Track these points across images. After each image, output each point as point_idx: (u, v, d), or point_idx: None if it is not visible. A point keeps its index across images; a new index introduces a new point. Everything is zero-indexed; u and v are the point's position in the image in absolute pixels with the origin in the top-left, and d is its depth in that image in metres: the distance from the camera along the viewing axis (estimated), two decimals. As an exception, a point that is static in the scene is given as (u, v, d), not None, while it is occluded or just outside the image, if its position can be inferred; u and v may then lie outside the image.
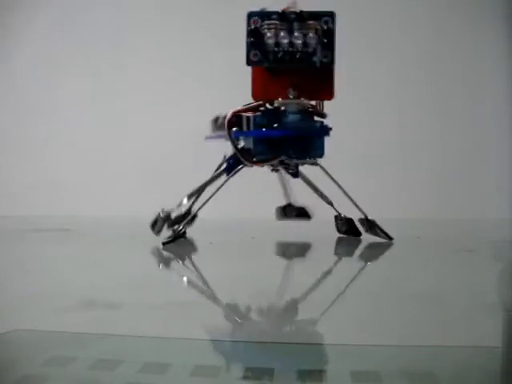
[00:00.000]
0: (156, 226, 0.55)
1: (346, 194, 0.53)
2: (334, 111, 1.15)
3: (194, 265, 0.49)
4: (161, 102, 1.15)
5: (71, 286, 0.36)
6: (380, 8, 1.14)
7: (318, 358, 0.22)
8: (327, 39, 0.46)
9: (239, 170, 0.52)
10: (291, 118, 0.48)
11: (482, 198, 1.08)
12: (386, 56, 1.14)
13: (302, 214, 0.65)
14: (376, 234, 0.56)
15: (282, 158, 0.50)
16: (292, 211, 0.64)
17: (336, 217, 0.58)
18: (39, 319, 0.27)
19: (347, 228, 0.57)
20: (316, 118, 0.51)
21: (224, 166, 0.53)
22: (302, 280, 0.40)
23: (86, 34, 1.20)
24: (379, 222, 0.63)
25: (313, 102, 0.51)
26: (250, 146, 0.50)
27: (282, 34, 0.45)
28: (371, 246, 0.56)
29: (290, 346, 0.24)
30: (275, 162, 0.51)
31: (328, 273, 0.43)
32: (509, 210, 1.03)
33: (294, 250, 0.57)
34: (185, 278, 0.40)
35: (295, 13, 0.45)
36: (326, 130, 0.49)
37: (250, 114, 0.49)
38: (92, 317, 0.27)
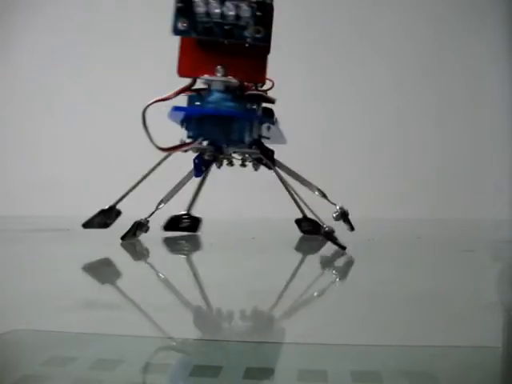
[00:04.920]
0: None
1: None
2: (334, 111, 1.15)
3: (194, 265, 0.49)
4: (161, 102, 1.15)
5: (71, 286, 0.36)
6: (380, 8, 1.14)
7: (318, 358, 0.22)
8: (262, 13, 0.40)
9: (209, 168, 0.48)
10: (215, 96, 0.43)
11: (482, 198, 1.08)
12: (385, 56, 1.14)
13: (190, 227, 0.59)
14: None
15: (200, 141, 0.45)
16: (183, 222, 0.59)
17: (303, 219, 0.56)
18: (39, 319, 0.27)
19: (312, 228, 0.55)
20: (266, 105, 0.46)
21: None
22: (295, 281, 0.40)
23: (87, 34, 1.20)
24: (380, 222, 0.63)
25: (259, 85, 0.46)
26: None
27: (213, 2, 0.41)
28: (370, 245, 0.56)
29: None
30: (193, 146, 0.46)
31: (326, 273, 0.43)
32: (509, 210, 1.03)
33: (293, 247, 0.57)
34: (186, 278, 0.40)
35: None
36: (250, 114, 0.43)
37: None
38: (92, 317, 0.27)
